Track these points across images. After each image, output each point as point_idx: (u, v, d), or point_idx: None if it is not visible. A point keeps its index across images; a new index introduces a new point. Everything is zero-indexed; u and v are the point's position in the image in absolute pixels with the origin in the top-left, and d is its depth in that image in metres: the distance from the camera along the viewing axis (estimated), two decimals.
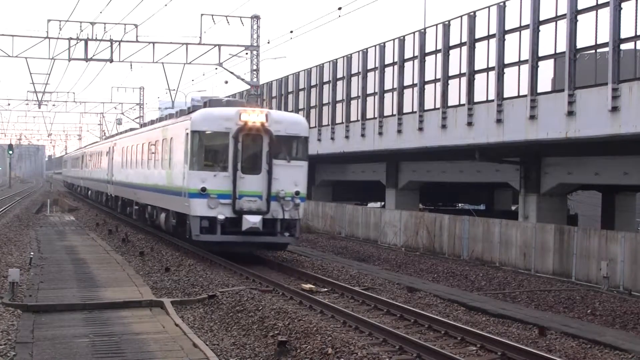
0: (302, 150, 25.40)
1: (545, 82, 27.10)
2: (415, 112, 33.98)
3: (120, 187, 41.60)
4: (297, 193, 24.66)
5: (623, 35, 23.57)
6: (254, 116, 24.32)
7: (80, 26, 40.99)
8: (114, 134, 52.93)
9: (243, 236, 23.98)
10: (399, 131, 35.35)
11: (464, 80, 30.96)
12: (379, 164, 41.80)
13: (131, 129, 46.74)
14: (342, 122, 41.35)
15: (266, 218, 24.11)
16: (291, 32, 42.75)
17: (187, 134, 25.00)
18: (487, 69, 29.59)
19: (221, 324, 15.71)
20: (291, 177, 24.60)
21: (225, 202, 23.90)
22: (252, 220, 23.84)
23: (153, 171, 31.41)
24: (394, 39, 36.46)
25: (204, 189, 23.95)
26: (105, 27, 40.88)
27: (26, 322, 15.16)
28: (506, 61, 28.77)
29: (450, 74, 31.96)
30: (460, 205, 49.23)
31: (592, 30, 24.72)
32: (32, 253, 24.98)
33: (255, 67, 43.86)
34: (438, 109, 32.42)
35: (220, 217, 23.80)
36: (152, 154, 31.88)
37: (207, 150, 24.86)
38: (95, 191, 56.99)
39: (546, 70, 27.05)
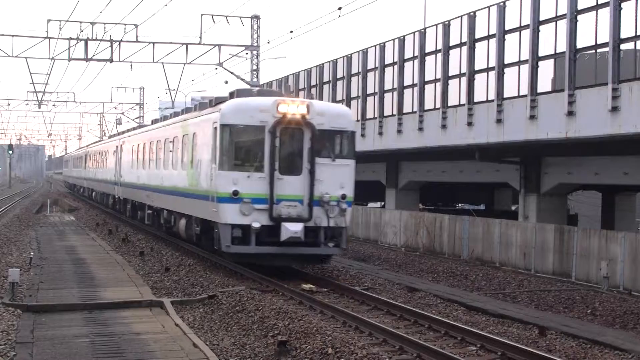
0: (349, 147, 22.29)
1: (545, 82, 27.09)
2: (415, 112, 33.98)
3: (129, 189, 38.17)
4: (344, 197, 21.50)
5: (623, 35, 23.56)
6: (293, 107, 21.15)
7: (80, 26, 41.05)
8: (122, 132, 48.28)
9: (281, 247, 20.94)
10: (399, 131, 35.35)
11: (464, 80, 30.95)
12: (379, 164, 41.80)
13: (140, 126, 43.47)
14: None
15: (308, 226, 21.03)
16: (291, 32, 42.85)
17: (216, 128, 21.82)
18: (487, 69, 29.58)
19: (221, 324, 15.72)
20: (336, 178, 21.55)
21: (261, 207, 20.81)
22: (293, 229, 20.74)
23: (170, 172, 28.12)
24: (394, 39, 36.45)
25: (236, 193, 20.78)
26: (105, 27, 40.93)
27: (26, 322, 15.16)
28: (506, 61, 28.76)
29: (450, 74, 31.96)
30: (460, 205, 49.20)
31: (592, 30, 24.72)
32: (32, 253, 25.00)
33: (255, 67, 43.90)
34: (438, 109, 32.41)
35: (255, 225, 20.68)
36: (170, 152, 28.50)
37: (240, 147, 21.86)
38: (101, 193, 53.08)
39: (546, 70, 27.04)
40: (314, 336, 13.94)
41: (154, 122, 36.58)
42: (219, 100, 23.64)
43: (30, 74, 50.45)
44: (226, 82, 51.79)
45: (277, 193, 20.97)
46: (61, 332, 14.40)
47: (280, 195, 21.01)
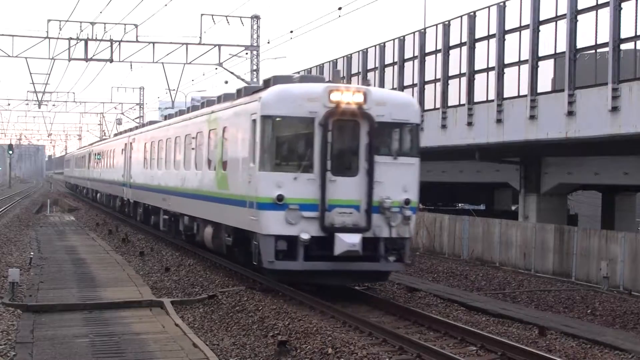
0: (413, 142, 19.07)
1: (545, 82, 27.12)
2: None
3: (141, 191, 34.53)
4: (407, 202, 18.29)
5: (623, 35, 23.58)
6: (348, 95, 17.95)
7: (80, 26, 41.07)
8: (130, 128, 44.45)
9: (335, 263, 17.66)
10: None
11: (464, 80, 30.98)
12: None
13: (150, 122, 39.47)
14: None
15: (366, 237, 17.78)
16: (291, 32, 42.93)
17: (254, 120, 18.50)
18: (487, 69, 29.61)
19: (221, 324, 15.71)
20: (399, 179, 18.33)
21: (310, 215, 17.63)
22: (350, 241, 17.46)
23: (193, 172, 24.67)
24: (394, 39, 36.47)
25: (280, 198, 17.56)
26: (105, 27, 40.95)
27: (26, 322, 15.16)
28: (506, 61, 28.79)
29: (450, 74, 31.98)
30: (460, 205, 49.19)
31: (592, 30, 24.74)
32: (32, 253, 24.99)
33: (255, 67, 43.92)
34: (438, 109, 32.43)
35: (304, 236, 17.39)
36: (192, 150, 25.02)
37: (284, 143, 18.75)
38: (107, 195, 49.04)
39: (546, 70, 27.07)
40: (314, 336, 13.94)
41: (168, 117, 33.05)
42: (256, 89, 20.33)
43: (30, 74, 50.54)
44: (226, 82, 51.86)
45: (330, 198, 17.75)
46: (61, 332, 14.40)
47: (333, 200, 17.79)
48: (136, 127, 42.12)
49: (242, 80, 42.97)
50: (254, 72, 43.90)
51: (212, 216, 22.35)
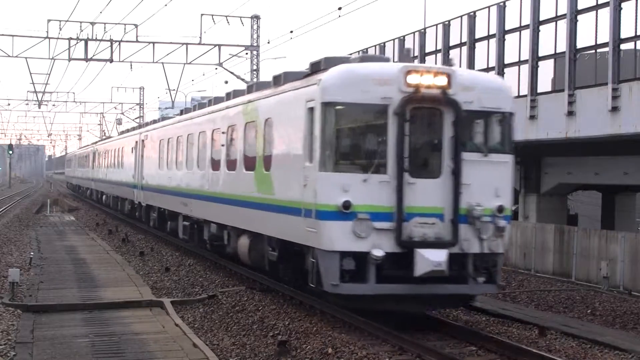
0: (506, 136, 15.74)
1: (545, 82, 27.12)
2: None
3: (156, 193, 30.94)
4: (501, 209, 15.00)
5: (623, 35, 23.59)
6: (429, 78, 14.68)
7: (80, 26, 41.09)
8: (141, 124, 40.46)
9: (415, 286, 14.39)
10: None
11: None
12: None
13: (163, 118, 35.88)
14: None
15: (452, 253, 14.50)
16: (291, 32, 42.89)
17: (312, 109, 15.05)
18: (487, 69, 29.60)
19: (221, 324, 15.71)
20: (490, 180, 15.04)
21: (384, 226, 14.33)
22: (434, 259, 14.21)
23: (224, 173, 21.26)
24: (394, 39, 36.47)
25: (347, 205, 14.21)
26: (105, 27, 40.98)
27: (26, 322, 15.17)
28: (506, 61, 28.80)
29: None
30: None
31: (592, 30, 24.75)
32: (32, 253, 25.00)
33: (255, 67, 43.93)
34: None
35: (377, 253, 14.13)
36: (222, 147, 21.44)
37: (350, 137, 15.42)
38: (114, 197, 45.26)
39: (546, 70, 27.08)
40: (314, 336, 13.95)
41: (185, 112, 29.36)
42: (305, 73, 16.93)
43: (30, 74, 50.55)
44: (226, 82, 51.78)
45: (408, 205, 14.50)
46: (61, 332, 14.40)
47: (412, 207, 14.54)
48: (146, 124, 38.45)
49: (242, 80, 42.99)
50: (254, 72, 43.91)
51: (250, 225, 18.81)
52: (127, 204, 39.64)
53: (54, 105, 77.20)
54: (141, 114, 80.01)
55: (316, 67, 16.33)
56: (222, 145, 21.41)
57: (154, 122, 36.48)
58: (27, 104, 76.09)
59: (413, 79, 14.60)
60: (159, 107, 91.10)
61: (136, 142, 35.99)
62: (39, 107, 69.87)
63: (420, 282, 14.32)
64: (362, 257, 14.28)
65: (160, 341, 13.62)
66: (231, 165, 20.59)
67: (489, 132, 15.75)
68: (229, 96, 22.78)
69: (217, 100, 24.24)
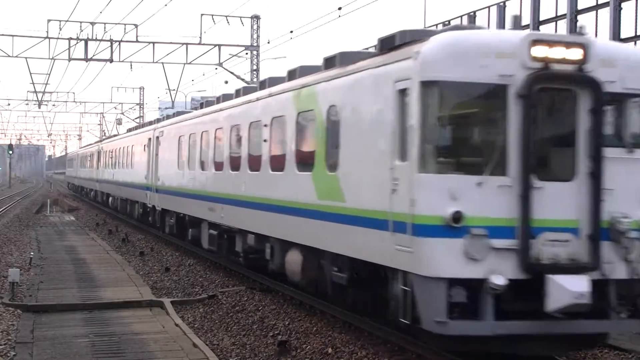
0: None
1: None
2: None
3: (174, 196, 27.22)
4: None
5: (623, 35, 23.60)
6: (560, 50, 11.34)
7: (80, 26, 41.14)
8: (154, 120, 36.59)
9: (547, 323, 11.04)
10: None
11: None
12: None
13: (177, 113, 31.46)
14: None
15: (593, 280, 11.07)
16: (291, 32, 42.85)
17: (405, 90, 11.59)
18: None
19: (221, 324, 15.71)
20: (637, 184, 11.65)
21: (504, 244, 10.98)
22: (575, 289, 10.79)
23: (267, 174, 17.54)
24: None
25: (457, 217, 10.89)
26: (105, 27, 41.03)
27: (26, 322, 15.16)
28: None
29: None
30: None
31: (592, 30, 24.76)
32: (32, 253, 25.00)
33: (255, 67, 43.95)
34: None
35: (497, 280, 10.77)
36: (265, 142, 17.83)
37: (457, 128, 11.73)
38: (122, 199, 41.68)
39: None
40: (314, 336, 13.95)
41: (206, 104, 25.41)
42: (383, 47, 12.98)
43: (30, 74, 50.62)
44: (226, 82, 51.83)
45: (535, 216, 11.10)
46: (61, 332, 14.40)
47: (540, 220, 11.12)
48: (164, 118, 33.79)
49: (242, 80, 43.01)
50: (254, 72, 43.92)
51: (304, 238, 15.24)
52: (137, 207, 36.18)
53: (54, 105, 77.34)
54: (141, 114, 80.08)
55: (389, 44, 12.76)
56: (265, 141, 17.78)
57: (173, 115, 31.80)
58: (27, 104, 76.22)
59: (539, 50, 11.25)
60: (159, 107, 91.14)
61: (149, 139, 32.60)
62: (39, 107, 70.00)
63: (552, 318, 10.97)
64: (477, 286, 10.87)
65: (160, 341, 13.61)
66: (277, 164, 16.95)
67: (632, 122, 11.94)
68: (263, 85, 19.28)
69: (246, 90, 20.93)
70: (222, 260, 22.95)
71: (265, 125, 17.80)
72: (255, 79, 43.03)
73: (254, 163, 18.49)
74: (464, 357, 11.98)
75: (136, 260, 25.07)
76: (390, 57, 12.30)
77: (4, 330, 14.25)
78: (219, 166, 21.57)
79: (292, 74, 17.30)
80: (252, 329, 15.01)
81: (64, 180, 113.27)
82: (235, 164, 20.02)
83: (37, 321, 15.31)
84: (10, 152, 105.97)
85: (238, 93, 21.48)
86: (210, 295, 18.23)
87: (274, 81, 18.52)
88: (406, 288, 11.57)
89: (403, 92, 11.61)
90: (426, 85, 11.13)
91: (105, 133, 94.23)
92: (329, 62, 15.04)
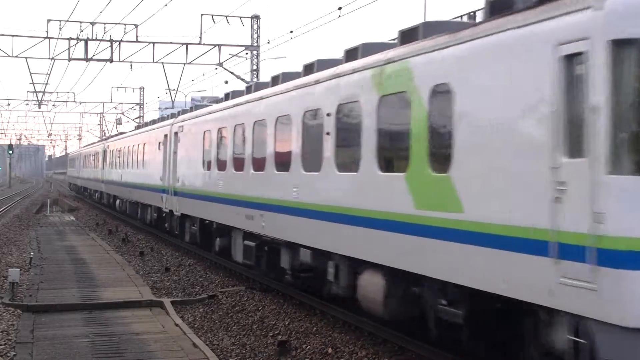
0: None
1: None
2: None
3: (197, 200, 23.66)
4: None
5: None
6: None
7: (80, 26, 41.10)
8: (170, 115, 33.08)
9: None
10: None
11: None
12: None
13: (196, 106, 28.22)
14: None
15: None
16: (291, 32, 42.78)
17: (573, 56, 8.42)
18: None
19: (221, 324, 15.72)
20: None
21: None
22: None
23: (335, 175, 14.02)
24: (394, 39, 36.47)
25: None
26: (105, 27, 40.99)
27: (26, 322, 15.17)
28: None
29: None
30: None
31: None
32: (32, 253, 25.02)
33: (255, 67, 43.92)
34: None
35: None
36: (327, 135, 14.40)
37: None
38: (131, 202, 37.91)
39: None
40: (314, 336, 13.95)
41: (231, 96, 22.53)
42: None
43: (30, 74, 50.60)
44: (226, 82, 51.80)
45: None
46: (61, 332, 14.40)
47: None
48: (182, 112, 29.74)
49: (242, 80, 43.00)
50: (254, 72, 43.91)
51: (392, 258, 12.00)
52: (150, 211, 32.52)
53: (54, 105, 77.34)
54: (141, 114, 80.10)
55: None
56: (327, 134, 14.34)
57: (194, 108, 27.97)
58: (27, 104, 76.22)
59: None
60: (159, 107, 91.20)
61: (166, 135, 29.05)
62: (39, 107, 69.94)
63: None
64: None
65: (160, 341, 13.61)
66: (347, 163, 13.65)
67: None
68: (308, 69, 16.44)
69: (286, 76, 17.86)
70: (222, 260, 22.91)
71: (328, 115, 14.33)
72: (255, 79, 43.04)
73: (311, 162, 15.09)
74: (465, 358, 11.66)
75: (136, 260, 25.08)
76: (547, 9, 8.95)
77: (4, 330, 14.25)
78: (259, 166, 18.11)
79: (349, 54, 14.73)
80: (252, 329, 15.01)
81: (65, 181, 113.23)
82: (282, 163, 16.60)
83: (37, 321, 15.32)
84: (10, 152, 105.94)
85: (276, 80, 18.40)
86: (210, 295, 18.23)
87: (326, 63, 15.77)
88: (578, 340, 8.44)
89: (573, 58, 8.46)
90: (619, 45, 7.95)
91: (105, 133, 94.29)
92: (409, 34, 12.14)
